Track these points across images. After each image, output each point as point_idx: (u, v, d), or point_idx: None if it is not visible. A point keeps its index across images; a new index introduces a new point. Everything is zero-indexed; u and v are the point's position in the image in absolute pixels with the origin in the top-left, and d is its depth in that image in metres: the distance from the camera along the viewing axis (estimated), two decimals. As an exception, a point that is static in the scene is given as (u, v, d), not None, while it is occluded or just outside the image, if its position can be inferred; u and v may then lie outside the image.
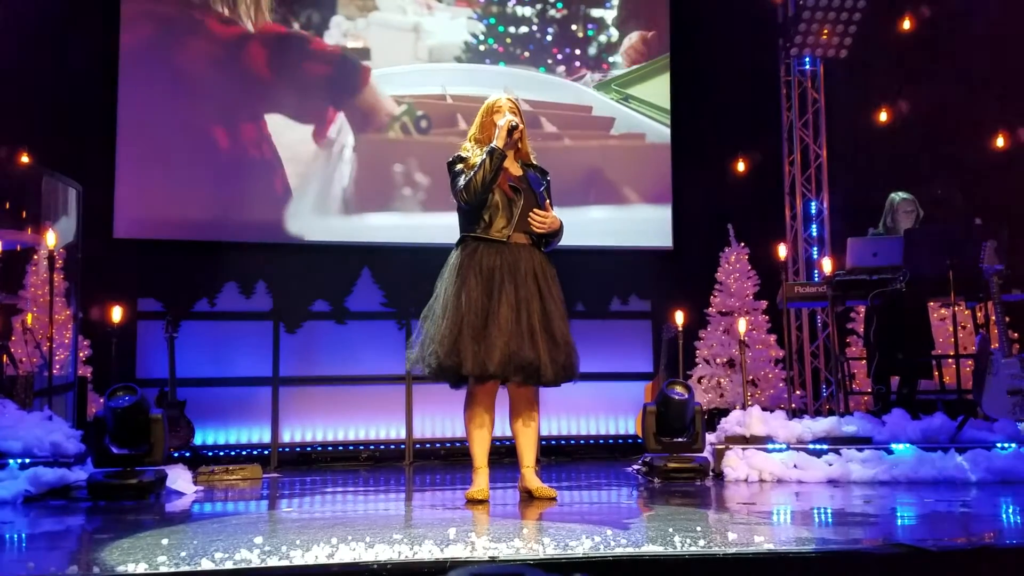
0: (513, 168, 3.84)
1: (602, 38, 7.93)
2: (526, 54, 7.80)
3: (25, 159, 6.15)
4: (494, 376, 3.60)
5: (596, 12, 7.94)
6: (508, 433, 3.91)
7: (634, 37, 7.95)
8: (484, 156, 3.68)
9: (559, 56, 7.84)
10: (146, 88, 7.07)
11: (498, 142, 3.68)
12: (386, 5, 7.62)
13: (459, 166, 3.80)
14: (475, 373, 3.59)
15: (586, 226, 7.26)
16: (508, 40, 7.77)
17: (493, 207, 3.72)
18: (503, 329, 3.56)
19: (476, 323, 3.59)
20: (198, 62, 7.16)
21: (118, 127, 7.00)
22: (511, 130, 3.68)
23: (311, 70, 7.36)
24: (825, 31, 7.56)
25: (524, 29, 7.81)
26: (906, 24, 7.84)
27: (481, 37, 7.73)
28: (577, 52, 7.87)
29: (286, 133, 7.25)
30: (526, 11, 7.83)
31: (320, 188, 7.28)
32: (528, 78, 7.73)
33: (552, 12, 7.86)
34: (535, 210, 3.75)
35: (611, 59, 7.91)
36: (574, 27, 7.89)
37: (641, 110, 7.87)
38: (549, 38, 7.84)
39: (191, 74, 7.14)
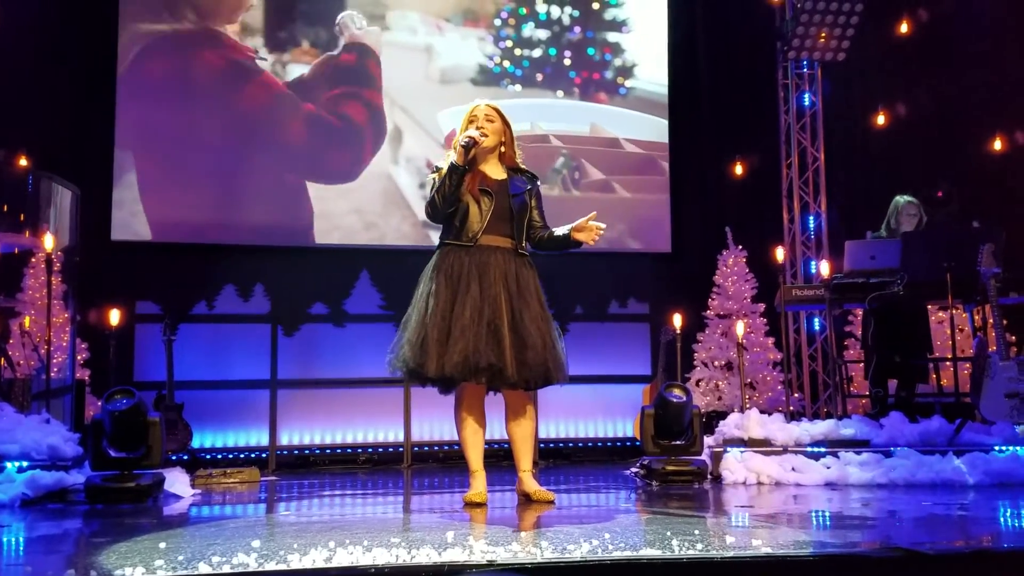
0: (494, 172, 3.85)
1: (618, 62, 7.90)
2: (540, 76, 7.76)
3: (23, 161, 6.14)
4: (453, 379, 3.61)
5: (612, 37, 7.91)
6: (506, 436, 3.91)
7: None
8: (445, 174, 3.70)
9: (576, 80, 7.80)
10: (145, 91, 7.06)
11: (457, 159, 3.70)
12: (396, 24, 7.58)
13: (432, 176, 3.82)
14: (436, 375, 3.60)
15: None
16: (524, 63, 7.72)
17: (462, 212, 3.75)
18: (464, 331, 3.58)
19: (441, 326, 3.61)
20: (201, 67, 7.14)
21: (116, 130, 6.99)
22: (468, 147, 3.69)
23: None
24: (823, 34, 7.54)
25: (539, 52, 7.77)
26: (903, 27, 7.85)
27: (496, 59, 7.71)
28: (594, 76, 7.83)
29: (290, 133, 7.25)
30: (541, 34, 7.79)
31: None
32: (587, 109, 7.72)
33: (567, 36, 7.82)
34: (594, 223, 3.76)
35: (627, 83, 7.88)
36: (591, 51, 7.87)
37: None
38: (567, 62, 7.80)
39: (192, 77, 7.12)
